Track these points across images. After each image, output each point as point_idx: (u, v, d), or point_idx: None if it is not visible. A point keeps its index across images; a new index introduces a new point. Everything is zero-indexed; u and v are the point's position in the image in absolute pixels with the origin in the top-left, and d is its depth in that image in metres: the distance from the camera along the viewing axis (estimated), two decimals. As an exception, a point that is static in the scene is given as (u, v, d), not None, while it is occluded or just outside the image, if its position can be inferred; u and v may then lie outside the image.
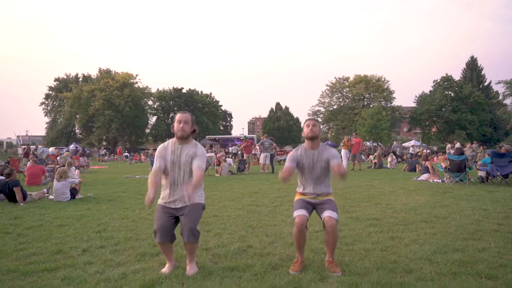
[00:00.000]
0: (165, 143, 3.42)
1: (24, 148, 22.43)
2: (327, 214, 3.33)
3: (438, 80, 46.23)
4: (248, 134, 71.71)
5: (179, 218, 3.32)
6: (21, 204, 7.15)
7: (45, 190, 8.25)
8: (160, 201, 3.40)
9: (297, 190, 3.65)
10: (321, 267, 3.33)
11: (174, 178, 3.31)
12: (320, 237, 4.36)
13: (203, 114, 57.81)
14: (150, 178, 3.23)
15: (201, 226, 5.00)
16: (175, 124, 3.32)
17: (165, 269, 3.30)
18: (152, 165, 15.69)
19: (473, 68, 50.30)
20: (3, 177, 7.89)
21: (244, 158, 16.10)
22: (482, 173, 10.38)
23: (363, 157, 20.57)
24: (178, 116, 3.33)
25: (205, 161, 3.41)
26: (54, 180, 7.81)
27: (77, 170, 11.23)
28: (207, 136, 49.25)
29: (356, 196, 7.71)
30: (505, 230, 4.59)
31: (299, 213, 3.36)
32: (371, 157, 20.68)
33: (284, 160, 23.13)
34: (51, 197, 7.82)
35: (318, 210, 3.48)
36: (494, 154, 10.46)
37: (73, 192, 7.80)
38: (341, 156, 16.95)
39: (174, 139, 3.38)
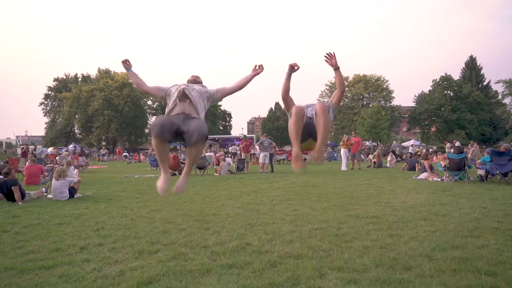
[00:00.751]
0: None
1: (23, 148, 22.40)
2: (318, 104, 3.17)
3: (437, 80, 46.25)
4: (248, 134, 71.67)
5: (180, 132, 3.06)
6: (20, 203, 7.13)
7: (43, 189, 8.22)
8: None
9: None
10: (320, 264, 3.32)
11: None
12: (318, 234, 4.35)
13: (202, 114, 57.67)
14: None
15: (199, 224, 5.00)
16: (189, 78, 3.63)
17: (161, 182, 3.05)
18: (151, 165, 15.56)
19: (472, 67, 50.26)
20: (1, 176, 7.87)
21: (242, 157, 16.09)
22: (481, 172, 10.37)
23: (362, 156, 20.57)
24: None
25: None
26: (53, 179, 7.79)
27: (76, 170, 11.21)
28: (206, 136, 49.09)
29: (356, 195, 7.70)
30: (505, 228, 4.58)
31: (297, 105, 3.24)
32: (370, 156, 20.68)
33: (283, 159, 23.16)
34: (49, 196, 7.80)
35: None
36: (493, 152, 10.45)
37: (72, 191, 7.78)
38: (341, 156, 16.99)
39: None
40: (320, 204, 6.53)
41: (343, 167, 15.84)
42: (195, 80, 3.62)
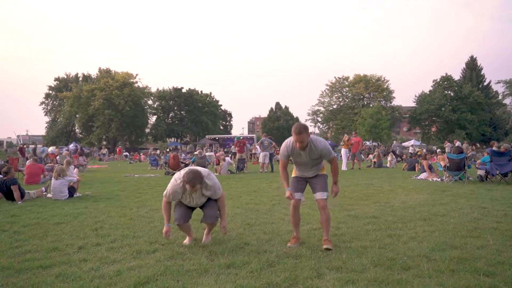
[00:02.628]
0: (179, 187, 3.89)
1: (19, 147, 22.40)
2: (318, 196, 3.92)
3: (438, 80, 46.22)
4: (248, 133, 71.66)
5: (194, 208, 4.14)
6: (19, 202, 7.13)
7: (43, 188, 8.21)
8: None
9: (294, 169, 4.16)
10: (318, 265, 3.31)
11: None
12: (317, 235, 4.34)
13: (202, 114, 57.79)
14: (164, 207, 4.04)
15: (198, 224, 4.98)
16: (188, 187, 3.77)
17: (186, 241, 4.03)
18: (151, 165, 15.67)
19: (472, 67, 50.23)
20: (1, 176, 7.86)
21: (237, 157, 16.11)
22: (481, 172, 10.35)
23: (362, 156, 20.56)
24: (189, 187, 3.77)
25: (218, 190, 4.02)
26: (52, 178, 7.79)
27: (75, 169, 11.21)
28: (206, 136, 49.26)
29: (355, 195, 7.68)
30: (504, 228, 4.57)
31: (295, 196, 3.96)
32: (370, 156, 20.66)
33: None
34: (49, 195, 7.79)
35: (311, 185, 4.05)
36: (493, 152, 10.43)
37: (71, 190, 7.77)
38: (341, 156, 16.99)
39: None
40: (320, 204, 6.50)
41: (343, 167, 15.83)
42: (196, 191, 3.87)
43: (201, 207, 4.06)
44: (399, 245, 3.88)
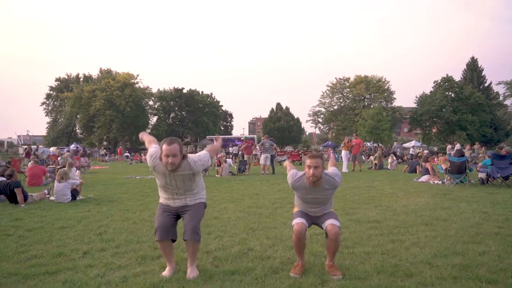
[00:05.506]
0: (157, 160, 3.26)
1: (25, 148, 22.47)
2: (329, 222, 3.34)
3: (439, 81, 46.24)
4: (249, 134, 71.65)
5: (180, 216, 3.43)
6: (22, 205, 7.16)
7: (45, 191, 8.25)
8: (160, 200, 3.53)
9: (295, 205, 3.68)
10: (322, 271, 3.33)
11: (172, 192, 3.41)
12: (320, 240, 4.37)
13: (203, 114, 57.84)
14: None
15: (202, 229, 5.00)
16: (163, 158, 3.15)
17: (166, 272, 3.28)
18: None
19: (473, 68, 50.24)
20: (4, 178, 7.90)
21: (245, 158, 16.12)
22: (482, 175, 10.37)
23: (363, 158, 20.58)
24: (164, 149, 3.13)
25: (205, 160, 3.42)
26: (55, 181, 7.82)
27: (78, 171, 11.24)
28: (207, 136, 49.34)
29: (357, 198, 7.71)
30: (506, 233, 4.59)
31: (298, 221, 3.37)
32: (371, 158, 20.69)
33: (284, 161, 23.21)
34: (52, 198, 7.83)
35: (319, 222, 3.50)
36: (494, 156, 10.45)
37: (74, 193, 7.80)
38: (341, 157, 17.00)
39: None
40: (322, 207, 6.53)
41: (344, 169, 15.86)
42: (173, 169, 3.18)
43: (183, 214, 3.37)
44: (401, 251, 3.91)
